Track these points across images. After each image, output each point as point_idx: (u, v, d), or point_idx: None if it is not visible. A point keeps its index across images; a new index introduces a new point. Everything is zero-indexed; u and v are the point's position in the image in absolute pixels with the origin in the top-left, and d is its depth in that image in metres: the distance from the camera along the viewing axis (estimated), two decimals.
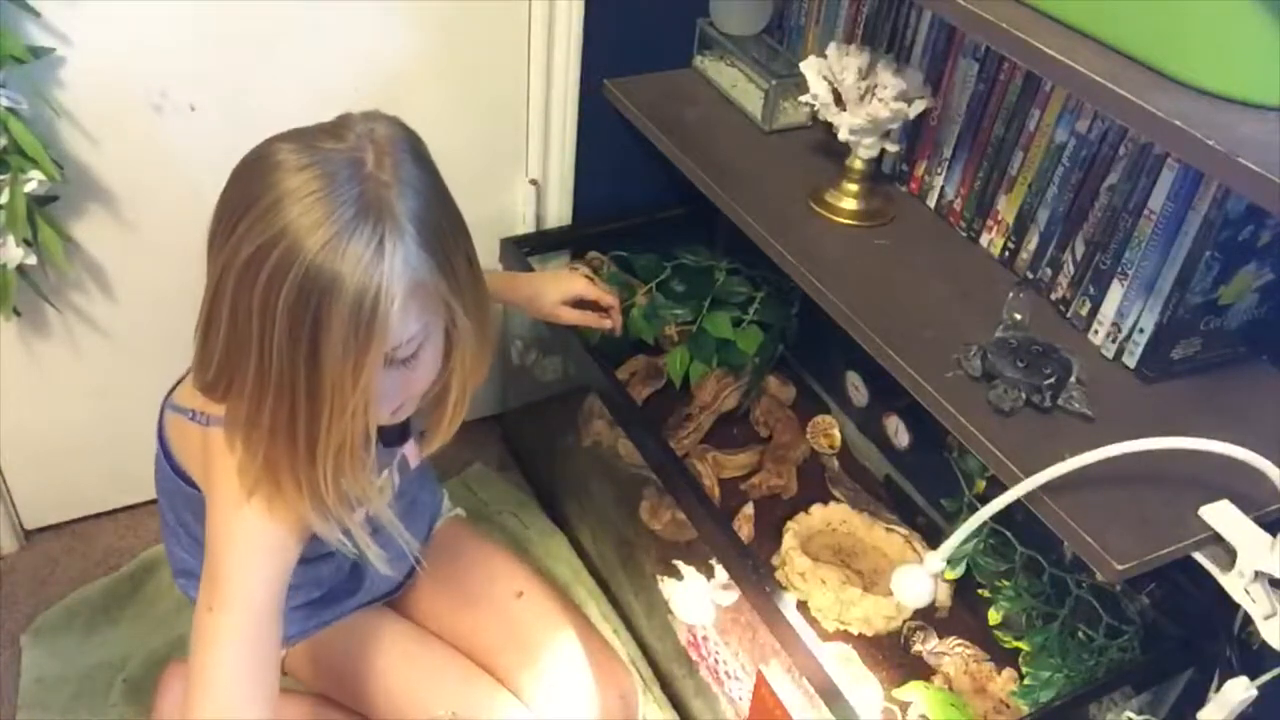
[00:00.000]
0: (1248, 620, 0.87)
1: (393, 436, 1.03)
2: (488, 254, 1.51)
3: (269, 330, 0.76)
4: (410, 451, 1.09)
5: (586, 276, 1.32)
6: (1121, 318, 1.03)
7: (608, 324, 1.32)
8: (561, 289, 1.30)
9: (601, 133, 1.48)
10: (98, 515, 1.54)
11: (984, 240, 1.19)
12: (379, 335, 0.76)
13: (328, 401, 0.78)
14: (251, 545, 0.86)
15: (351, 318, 0.75)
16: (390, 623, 1.18)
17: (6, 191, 1.11)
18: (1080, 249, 1.07)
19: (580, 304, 1.31)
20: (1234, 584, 0.85)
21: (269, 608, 0.86)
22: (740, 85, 1.42)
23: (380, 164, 0.78)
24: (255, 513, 0.85)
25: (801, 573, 1.29)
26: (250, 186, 0.77)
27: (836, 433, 1.56)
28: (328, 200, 0.74)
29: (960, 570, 1.22)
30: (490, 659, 1.17)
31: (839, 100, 1.18)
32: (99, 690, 1.31)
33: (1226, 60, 0.77)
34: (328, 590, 1.14)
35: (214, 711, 0.82)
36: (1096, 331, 1.06)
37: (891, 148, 1.21)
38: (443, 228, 0.82)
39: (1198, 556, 0.88)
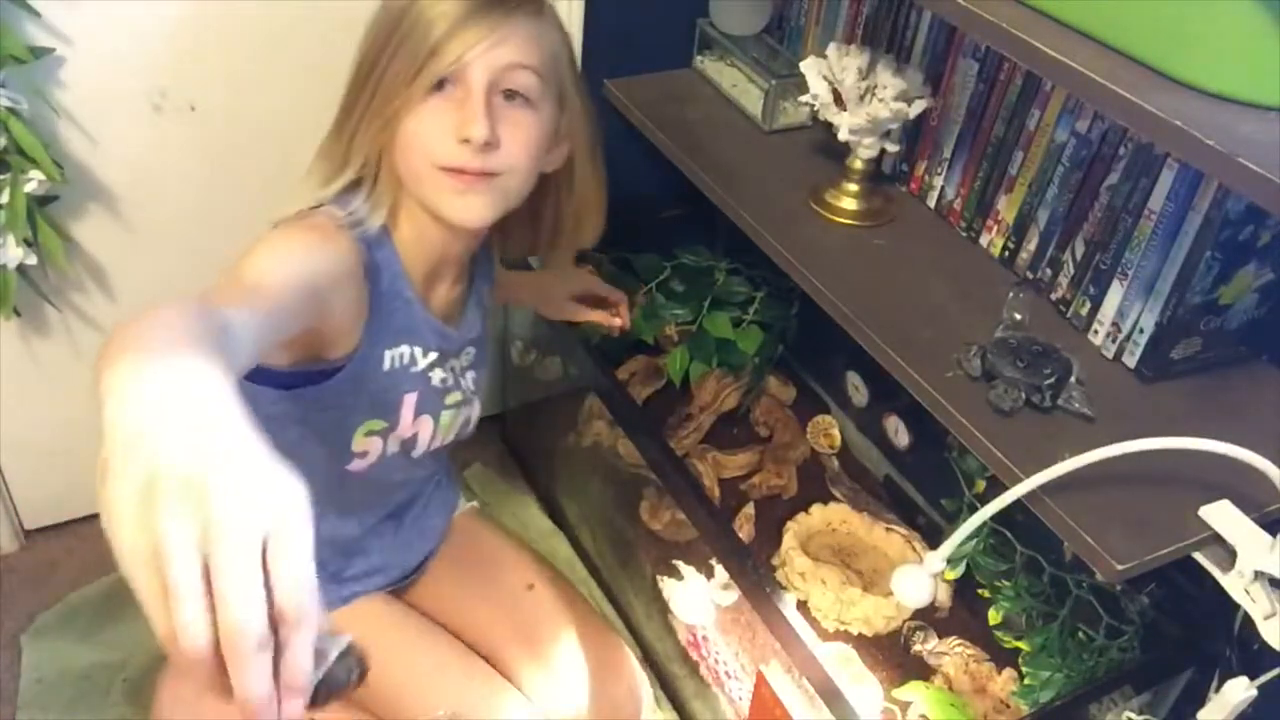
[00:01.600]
0: (1248, 620, 0.87)
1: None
2: None
3: (365, 53, 0.92)
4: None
5: (592, 273, 1.32)
6: (1121, 318, 1.03)
7: (617, 322, 1.32)
8: (570, 285, 1.30)
9: (601, 133, 1.47)
10: (98, 515, 1.52)
11: (984, 240, 1.19)
12: (422, 41, 0.88)
13: (384, 92, 0.90)
14: (279, 241, 0.87)
15: (406, 23, 0.89)
16: (398, 614, 1.18)
17: (6, 191, 1.11)
18: (1080, 249, 1.07)
19: (588, 300, 1.31)
20: (1234, 584, 0.85)
21: (269, 288, 0.76)
22: (740, 85, 1.42)
23: None
24: (296, 224, 0.90)
25: (801, 573, 1.29)
26: None
27: (836, 433, 1.56)
28: None
29: (960, 570, 1.22)
30: (497, 650, 1.17)
31: (839, 100, 1.18)
32: (99, 690, 1.31)
33: (1226, 60, 0.76)
34: (341, 559, 1.14)
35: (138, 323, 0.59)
36: (1096, 331, 1.06)
37: (891, 148, 1.21)
38: (550, 29, 0.95)
39: (1198, 556, 0.88)
